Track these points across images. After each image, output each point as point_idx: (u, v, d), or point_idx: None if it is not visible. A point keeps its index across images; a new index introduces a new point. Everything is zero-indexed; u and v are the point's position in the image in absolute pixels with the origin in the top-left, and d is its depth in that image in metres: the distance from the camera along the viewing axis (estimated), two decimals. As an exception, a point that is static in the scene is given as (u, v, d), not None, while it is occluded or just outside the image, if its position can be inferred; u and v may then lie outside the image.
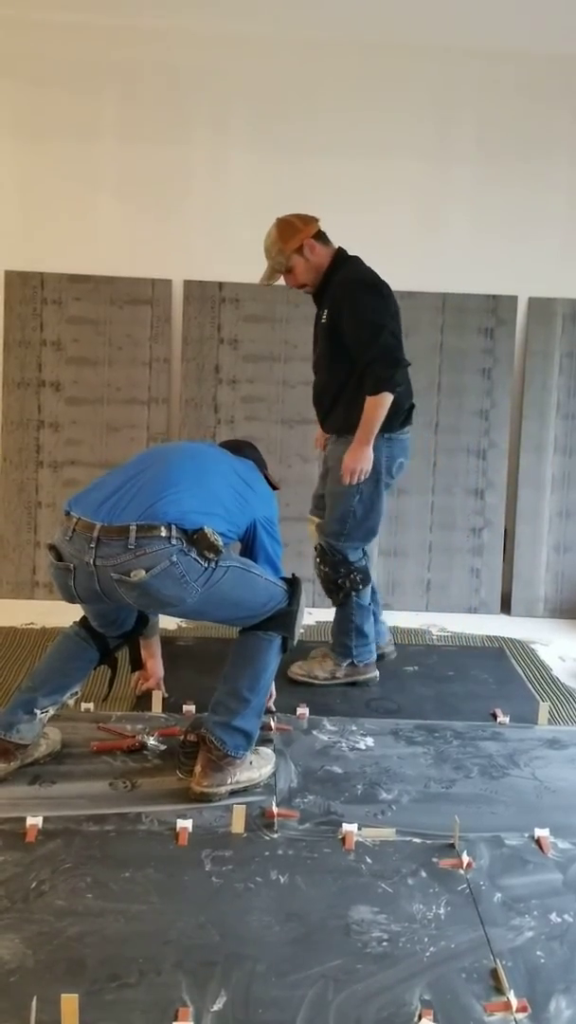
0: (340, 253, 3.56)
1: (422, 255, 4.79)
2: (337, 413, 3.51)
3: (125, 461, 2.89)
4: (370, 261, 4.76)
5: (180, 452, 2.94)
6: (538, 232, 4.81)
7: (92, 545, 2.56)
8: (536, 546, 4.82)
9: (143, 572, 2.51)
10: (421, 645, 4.24)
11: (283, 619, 2.83)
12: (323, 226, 3.49)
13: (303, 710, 3.34)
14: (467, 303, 4.77)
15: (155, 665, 3.38)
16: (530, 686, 3.79)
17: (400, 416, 3.49)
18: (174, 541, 2.54)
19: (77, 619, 2.99)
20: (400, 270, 4.78)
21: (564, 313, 4.81)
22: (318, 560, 3.67)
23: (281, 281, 3.57)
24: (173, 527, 2.55)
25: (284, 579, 2.89)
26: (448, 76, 4.68)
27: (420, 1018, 1.93)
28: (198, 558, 2.57)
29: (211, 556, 2.59)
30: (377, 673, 3.73)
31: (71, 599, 2.72)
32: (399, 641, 4.27)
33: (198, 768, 2.74)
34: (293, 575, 2.92)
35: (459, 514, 4.80)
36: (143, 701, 3.38)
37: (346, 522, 3.52)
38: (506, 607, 4.80)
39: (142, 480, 2.70)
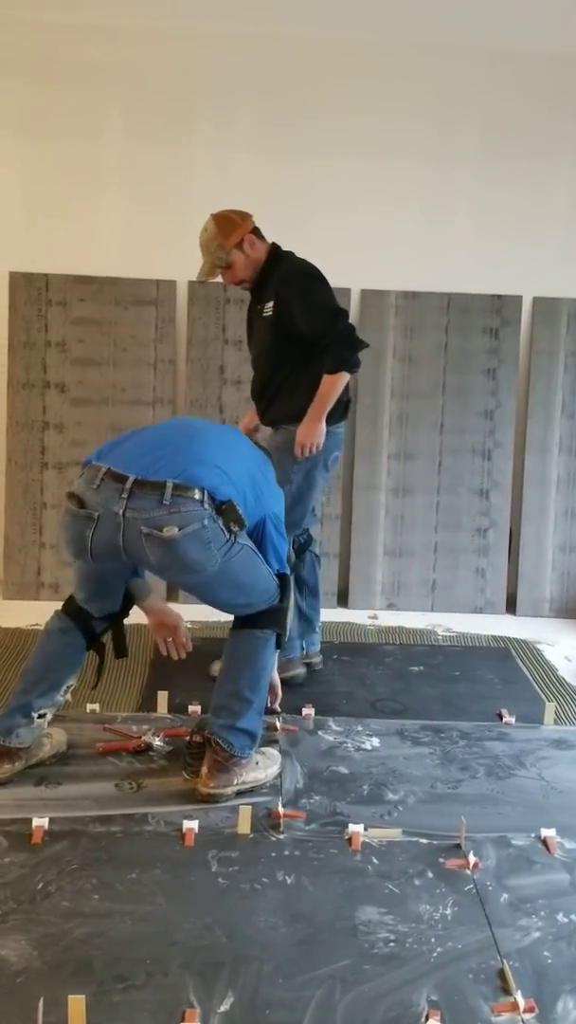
0: (275, 248, 3.55)
1: (426, 255, 4.79)
2: (277, 405, 3.52)
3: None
4: (374, 261, 4.78)
5: (213, 429, 2.91)
6: (542, 232, 4.81)
7: (124, 496, 2.54)
8: (541, 546, 4.82)
9: (176, 529, 2.50)
10: (426, 645, 4.24)
11: (276, 615, 2.81)
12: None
13: (308, 710, 3.34)
14: (471, 303, 4.76)
15: (168, 613, 3.07)
16: (536, 686, 3.78)
17: (339, 410, 3.49)
18: (206, 506, 2.56)
19: (59, 608, 2.92)
20: (404, 270, 4.80)
21: (569, 313, 4.80)
22: None
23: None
24: (206, 492, 2.57)
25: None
26: (451, 75, 4.68)
27: (427, 1019, 1.92)
28: (224, 528, 2.59)
29: (235, 529, 2.62)
30: (303, 670, 3.67)
31: (81, 552, 2.65)
32: (405, 641, 4.27)
33: (204, 770, 2.74)
34: (282, 572, 2.90)
35: (464, 514, 4.79)
36: (148, 702, 3.38)
37: None
38: (512, 607, 4.79)
39: (178, 442, 2.69)
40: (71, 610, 2.88)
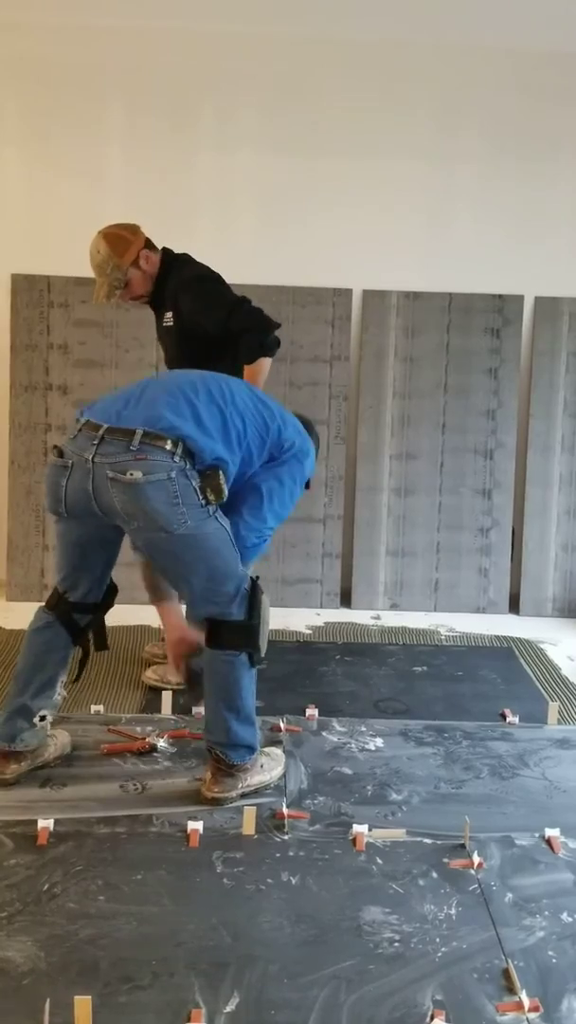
0: (167, 254, 3.49)
1: (428, 255, 4.79)
2: None
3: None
4: (376, 261, 4.78)
5: (213, 380, 2.77)
6: (544, 231, 4.81)
7: (95, 443, 2.57)
8: (544, 545, 4.82)
9: (140, 474, 2.50)
10: (430, 645, 4.24)
11: (245, 634, 2.68)
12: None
13: (312, 711, 3.34)
14: (473, 303, 4.76)
15: (189, 631, 3.01)
16: (539, 686, 3.79)
17: None
18: (177, 459, 2.54)
19: (44, 605, 2.88)
20: (406, 270, 4.80)
21: (571, 312, 4.80)
22: None
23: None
24: (181, 444, 2.55)
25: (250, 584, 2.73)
26: (453, 75, 4.68)
27: (432, 1018, 1.93)
28: (197, 491, 2.56)
29: (211, 498, 2.59)
30: None
31: (56, 503, 2.68)
32: (408, 641, 4.27)
33: (208, 775, 2.75)
34: (255, 582, 2.72)
35: (467, 514, 4.80)
36: (152, 703, 3.38)
37: None
38: (515, 607, 4.79)
39: (156, 390, 2.69)
40: (51, 604, 2.85)
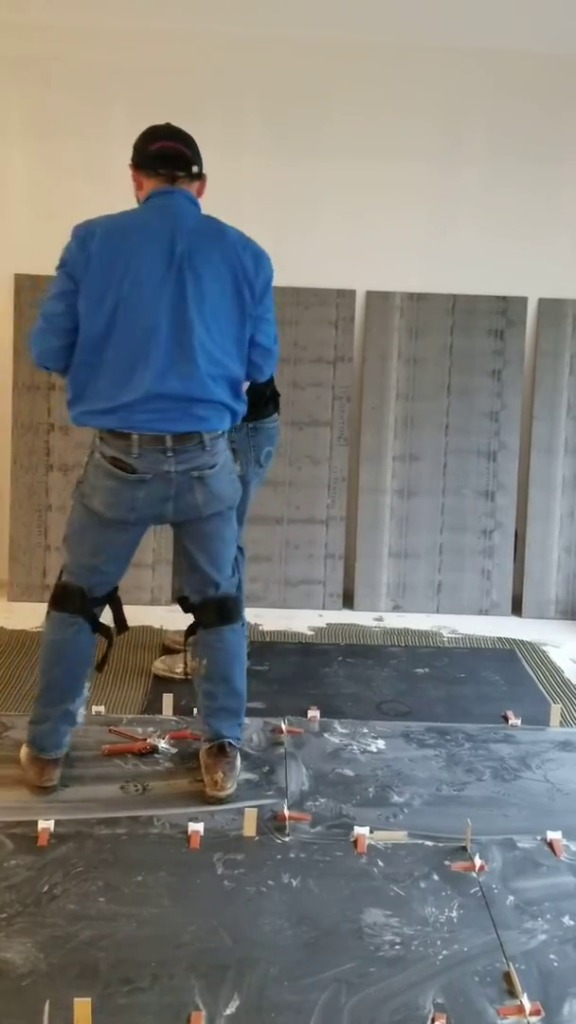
0: None
1: (431, 257, 4.78)
2: None
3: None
4: (379, 262, 4.78)
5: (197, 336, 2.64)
6: (548, 233, 4.80)
7: (170, 455, 2.60)
8: (547, 548, 4.81)
9: (216, 466, 2.68)
10: (432, 647, 4.24)
11: (240, 605, 2.89)
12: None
13: (314, 712, 3.34)
14: (477, 304, 4.76)
15: None
16: (542, 688, 3.78)
17: (268, 404, 3.44)
18: (224, 441, 2.74)
19: (55, 611, 2.81)
20: (409, 272, 4.79)
21: (574, 314, 4.79)
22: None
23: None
24: (221, 430, 2.73)
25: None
26: (457, 77, 4.67)
27: (433, 1021, 1.93)
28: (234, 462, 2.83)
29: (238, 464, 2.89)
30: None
31: (128, 514, 2.65)
32: (410, 643, 4.26)
33: (220, 775, 2.75)
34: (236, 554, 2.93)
35: (469, 516, 4.79)
36: (153, 704, 3.38)
37: None
38: (517, 609, 4.78)
39: (180, 377, 2.61)
40: (76, 607, 2.78)
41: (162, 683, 3.56)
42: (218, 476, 2.69)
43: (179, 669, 3.56)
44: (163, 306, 2.57)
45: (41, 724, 2.79)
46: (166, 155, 2.76)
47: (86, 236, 2.62)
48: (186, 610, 2.91)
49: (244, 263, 2.68)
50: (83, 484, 2.73)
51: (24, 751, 2.82)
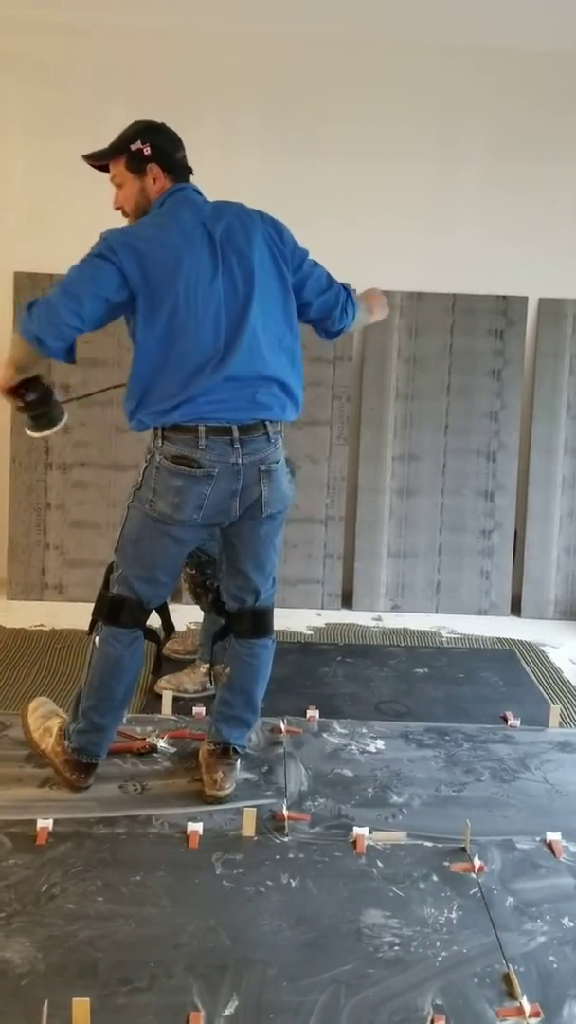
0: None
1: (431, 256, 4.77)
2: None
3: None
4: (379, 262, 4.77)
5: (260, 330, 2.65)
6: (548, 232, 4.79)
7: (236, 445, 2.57)
8: (546, 548, 4.81)
9: (280, 459, 2.68)
10: (431, 647, 4.23)
11: (273, 620, 2.85)
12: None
13: (313, 712, 3.34)
14: (477, 304, 4.75)
15: None
16: (541, 689, 3.78)
17: None
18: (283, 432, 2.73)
19: (117, 623, 2.71)
20: (409, 271, 4.78)
21: (574, 314, 4.79)
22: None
23: None
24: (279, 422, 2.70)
25: None
26: (457, 75, 4.66)
27: (432, 1023, 1.92)
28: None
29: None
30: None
31: (194, 512, 2.58)
32: (409, 643, 4.26)
33: (219, 775, 2.75)
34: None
35: (469, 516, 4.79)
36: (152, 704, 3.37)
37: None
38: (516, 609, 4.78)
39: (250, 369, 2.60)
40: (134, 621, 2.71)
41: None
42: (281, 473, 2.67)
43: (189, 687, 3.46)
44: (219, 295, 2.56)
45: (94, 733, 2.73)
46: (186, 164, 2.83)
47: (131, 241, 2.56)
48: (219, 613, 2.88)
49: (268, 231, 2.70)
50: (140, 491, 2.63)
51: (63, 754, 2.75)
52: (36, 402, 2.77)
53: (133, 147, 2.75)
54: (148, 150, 2.74)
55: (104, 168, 2.83)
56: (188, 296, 2.53)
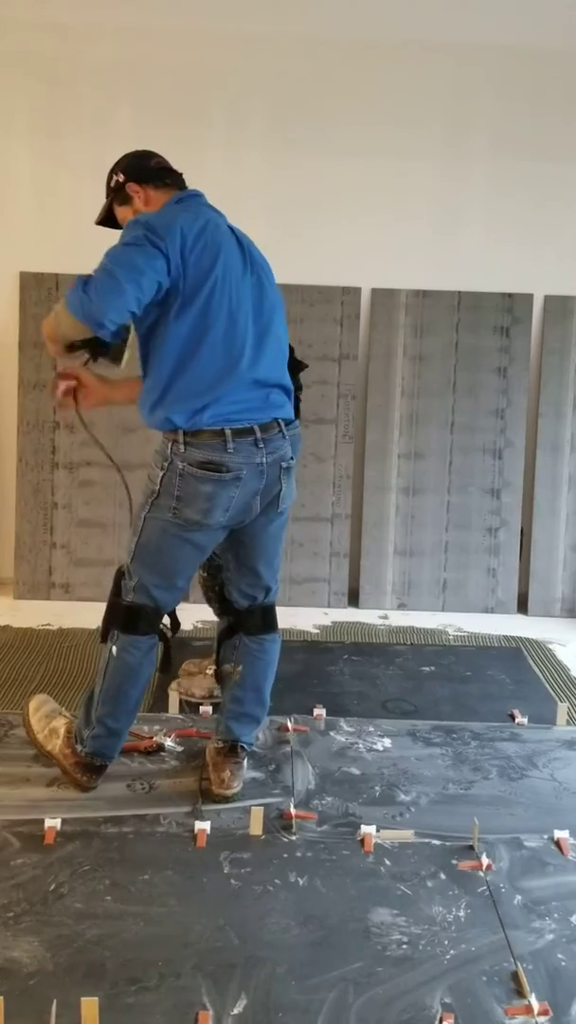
0: None
1: (437, 254, 4.77)
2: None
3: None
4: (385, 260, 4.77)
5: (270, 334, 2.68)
6: (553, 230, 4.78)
7: (260, 446, 2.58)
8: (553, 545, 4.80)
9: (294, 457, 2.71)
10: (438, 645, 4.23)
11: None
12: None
13: (320, 711, 3.33)
14: (482, 301, 4.75)
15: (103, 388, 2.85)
16: (548, 687, 3.77)
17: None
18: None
19: (134, 632, 2.69)
20: (415, 269, 4.78)
21: (580, 311, 4.78)
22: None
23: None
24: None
25: None
26: (462, 75, 4.65)
27: (441, 1021, 1.92)
28: None
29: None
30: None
31: (221, 515, 2.57)
32: (416, 641, 4.26)
33: (227, 774, 2.75)
34: None
35: (475, 513, 4.78)
36: (159, 702, 3.37)
37: None
38: (523, 607, 4.78)
39: (265, 370, 2.64)
40: (150, 628, 2.71)
41: (168, 681, 3.53)
42: (294, 470, 2.73)
43: (197, 692, 3.42)
44: (248, 293, 2.59)
45: (109, 737, 2.72)
46: (167, 167, 2.78)
47: (182, 223, 2.52)
48: (226, 613, 2.89)
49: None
50: (159, 499, 2.57)
51: (73, 756, 2.74)
52: (92, 344, 2.65)
53: (111, 185, 2.79)
54: (120, 176, 2.76)
55: (116, 225, 2.82)
56: (224, 287, 2.54)
